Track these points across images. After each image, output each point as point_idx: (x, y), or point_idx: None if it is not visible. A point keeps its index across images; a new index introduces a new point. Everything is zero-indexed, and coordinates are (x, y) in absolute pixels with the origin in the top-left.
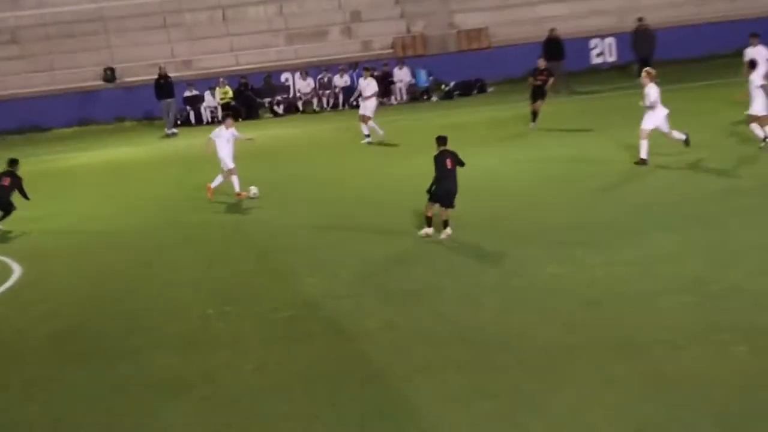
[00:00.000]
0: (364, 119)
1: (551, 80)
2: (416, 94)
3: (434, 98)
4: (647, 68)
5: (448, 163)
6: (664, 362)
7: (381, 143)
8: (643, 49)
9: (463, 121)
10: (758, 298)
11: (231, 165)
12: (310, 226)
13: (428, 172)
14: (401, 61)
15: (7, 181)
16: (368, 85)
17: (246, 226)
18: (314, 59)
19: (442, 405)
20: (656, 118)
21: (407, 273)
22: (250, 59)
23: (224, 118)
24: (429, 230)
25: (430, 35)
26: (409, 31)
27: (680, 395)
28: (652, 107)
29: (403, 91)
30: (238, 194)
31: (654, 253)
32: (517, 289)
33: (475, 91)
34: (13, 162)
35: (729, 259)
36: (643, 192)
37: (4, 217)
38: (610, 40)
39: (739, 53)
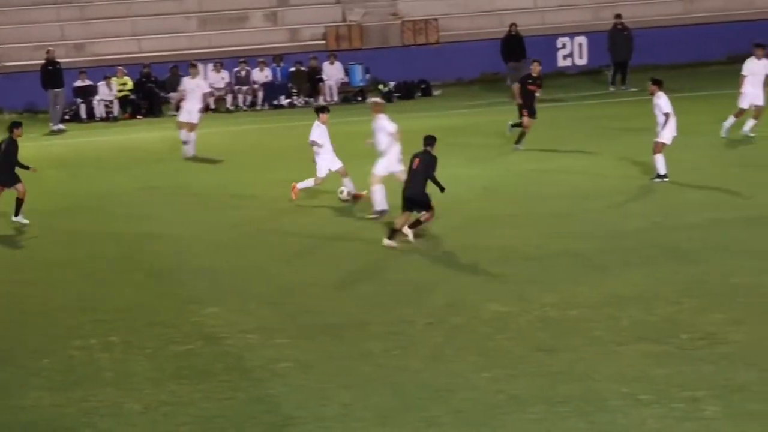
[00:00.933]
0: (191, 127)
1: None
2: (349, 95)
3: (370, 100)
4: (375, 99)
5: (415, 163)
6: (623, 419)
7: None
8: (620, 52)
9: (401, 129)
10: (735, 349)
11: (340, 164)
12: (218, 243)
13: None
14: (333, 55)
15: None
16: (198, 87)
17: (144, 242)
18: (231, 49)
19: None
20: (388, 162)
21: (328, 304)
22: (156, 46)
23: (318, 111)
24: (390, 242)
25: (368, 26)
26: (344, 19)
27: None
28: (382, 148)
29: (334, 90)
30: (357, 195)
31: (619, 294)
32: (456, 328)
33: (419, 94)
34: (12, 126)
35: (706, 302)
36: (611, 221)
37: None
38: (581, 39)
39: (732, 60)
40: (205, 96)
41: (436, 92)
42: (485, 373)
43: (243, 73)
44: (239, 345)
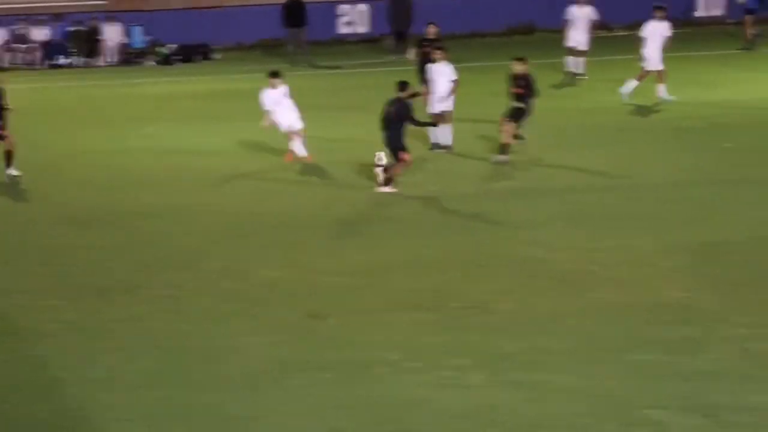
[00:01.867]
0: None
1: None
2: (129, 57)
3: (150, 62)
4: None
5: (388, 112)
6: (389, 386)
7: None
8: (398, 22)
9: (180, 92)
10: (502, 318)
11: (300, 125)
12: None
13: (139, 147)
14: (113, 16)
15: None
16: None
17: None
18: (10, 6)
19: (128, 425)
20: None
21: (99, 267)
22: None
23: (272, 76)
24: (384, 188)
25: None
26: None
27: (402, 426)
28: None
29: (114, 51)
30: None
31: (390, 261)
32: (227, 293)
33: (199, 57)
34: None
35: (475, 272)
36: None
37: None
38: (362, 7)
39: (513, 31)
40: None
41: (216, 56)
42: (253, 338)
43: (22, 31)
44: (7, 305)
